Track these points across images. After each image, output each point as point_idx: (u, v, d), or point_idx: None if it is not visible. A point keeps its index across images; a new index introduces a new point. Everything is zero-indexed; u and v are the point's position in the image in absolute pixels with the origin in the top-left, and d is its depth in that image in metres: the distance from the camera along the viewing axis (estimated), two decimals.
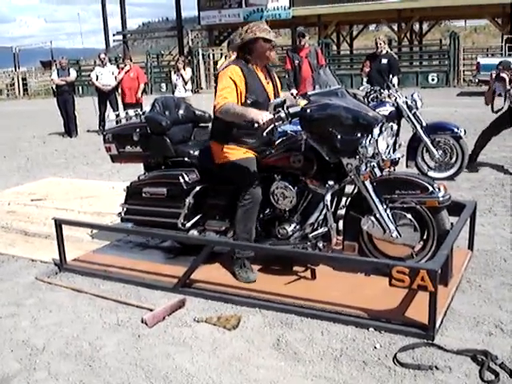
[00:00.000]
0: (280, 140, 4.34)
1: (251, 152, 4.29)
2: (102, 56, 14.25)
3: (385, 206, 4.00)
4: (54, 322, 3.91)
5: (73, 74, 14.39)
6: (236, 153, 4.26)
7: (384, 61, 9.04)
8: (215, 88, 4.29)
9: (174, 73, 12.51)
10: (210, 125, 5.16)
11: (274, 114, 3.86)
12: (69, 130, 14.00)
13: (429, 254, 4.04)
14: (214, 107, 4.13)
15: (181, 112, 5.09)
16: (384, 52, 9.21)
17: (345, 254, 4.19)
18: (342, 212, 4.37)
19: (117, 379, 3.19)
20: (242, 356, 3.36)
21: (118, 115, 5.30)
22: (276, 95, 4.40)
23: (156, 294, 4.24)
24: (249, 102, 4.16)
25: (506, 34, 24.23)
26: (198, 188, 4.60)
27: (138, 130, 4.88)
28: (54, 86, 14.72)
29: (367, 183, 3.99)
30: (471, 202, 4.58)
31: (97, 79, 13.79)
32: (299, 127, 4.12)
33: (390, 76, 8.51)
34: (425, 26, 37.99)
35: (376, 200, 3.98)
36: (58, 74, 14.04)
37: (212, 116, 4.54)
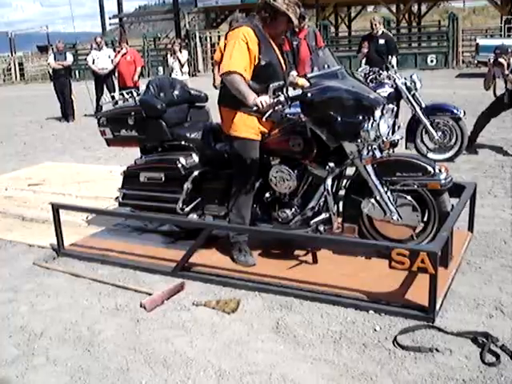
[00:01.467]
0: (279, 121, 4.27)
1: (260, 130, 4.16)
2: (99, 39, 14.16)
3: (385, 189, 3.96)
4: (52, 307, 3.89)
5: (69, 58, 14.30)
6: (245, 129, 4.12)
7: (381, 41, 9.01)
8: (224, 46, 4.12)
9: (171, 56, 12.42)
10: (205, 105, 5.11)
11: (273, 98, 3.81)
12: (66, 115, 13.94)
13: (430, 236, 4.02)
14: (222, 69, 4.00)
15: (176, 93, 5.01)
16: (380, 32, 9.16)
17: (344, 237, 4.16)
18: (341, 193, 4.34)
19: (115, 364, 3.17)
20: (242, 339, 3.35)
21: (113, 97, 5.23)
22: (285, 63, 4.29)
23: (154, 278, 4.23)
24: (262, 63, 4.02)
25: (505, 14, 24.07)
26: (196, 173, 4.56)
27: (132, 113, 4.81)
28: (50, 70, 14.61)
29: (368, 167, 3.95)
30: (471, 184, 4.55)
31: (93, 63, 13.71)
32: (298, 109, 4.07)
33: (389, 57, 8.46)
34: (423, 8, 37.76)
35: (377, 183, 3.94)
36: (54, 58, 13.95)
37: (208, 96, 4.46)
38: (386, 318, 3.46)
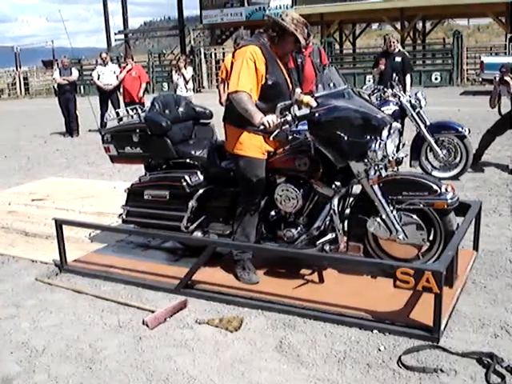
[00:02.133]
0: (285, 140, 4.27)
1: (265, 149, 4.15)
2: (104, 55, 14.23)
3: (391, 208, 3.94)
4: (54, 324, 3.87)
5: (75, 73, 14.37)
6: (251, 148, 4.11)
7: (398, 59, 9.06)
8: (231, 67, 4.12)
9: (176, 72, 12.46)
10: (210, 121, 5.11)
11: (280, 118, 3.80)
12: (70, 130, 13.98)
13: (435, 255, 3.99)
14: (230, 88, 4.00)
15: (181, 109, 5.01)
16: (397, 50, 9.20)
17: (349, 255, 4.14)
18: (347, 211, 4.32)
19: (117, 382, 3.15)
20: (245, 358, 3.32)
21: (117, 113, 5.23)
22: (292, 82, 4.29)
23: (157, 296, 4.20)
24: (269, 82, 4.02)
25: (509, 32, 24.09)
26: (201, 191, 4.54)
27: (137, 130, 4.80)
28: (55, 85, 14.68)
29: (375, 186, 3.93)
30: (476, 202, 4.53)
31: (98, 78, 13.77)
32: (304, 126, 4.06)
33: (407, 76, 8.60)
34: (428, 25, 37.90)
35: (383, 202, 3.93)
36: (59, 73, 14.03)
37: (213, 113, 4.45)
38: (391, 338, 3.43)
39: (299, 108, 4.33)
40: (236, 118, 4.07)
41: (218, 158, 4.49)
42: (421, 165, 7.34)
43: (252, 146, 4.11)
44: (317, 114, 3.89)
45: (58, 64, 15.72)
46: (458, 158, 7.24)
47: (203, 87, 27.33)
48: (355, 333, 3.52)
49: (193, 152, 4.64)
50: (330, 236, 4.09)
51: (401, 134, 6.63)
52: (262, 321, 3.75)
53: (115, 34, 36.78)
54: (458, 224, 3.98)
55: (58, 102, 14.28)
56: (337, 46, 31.48)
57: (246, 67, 3.95)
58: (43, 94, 31.32)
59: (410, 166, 7.23)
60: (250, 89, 3.94)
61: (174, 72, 12.68)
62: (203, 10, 31.55)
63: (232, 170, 4.34)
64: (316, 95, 4.00)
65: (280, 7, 28.03)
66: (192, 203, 4.52)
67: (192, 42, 32.71)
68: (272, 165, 4.20)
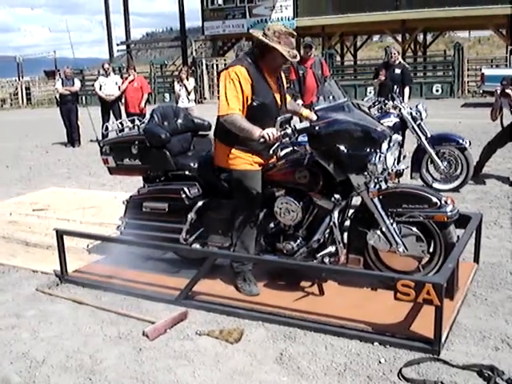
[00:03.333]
0: (284, 153, 4.28)
1: (257, 162, 4.16)
2: (106, 66, 14.30)
3: (391, 220, 3.95)
4: (54, 334, 3.87)
5: (77, 83, 14.43)
6: (242, 162, 4.13)
7: (397, 71, 9.11)
8: (218, 87, 4.19)
9: (178, 83, 12.51)
10: (209, 133, 5.10)
11: (280, 131, 3.82)
12: (72, 140, 14.01)
13: (436, 268, 3.99)
14: (220, 111, 4.03)
15: (179, 121, 5.01)
16: (397, 62, 9.24)
17: (349, 267, 4.14)
18: (347, 223, 4.32)
19: None
20: (245, 370, 3.32)
21: (121, 123, 5.23)
22: (283, 94, 4.28)
23: (158, 307, 4.20)
24: (255, 104, 4.02)
25: (510, 45, 24.18)
26: (200, 203, 4.54)
27: (136, 142, 4.80)
28: (57, 96, 14.73)
29: (375, 200, 3.94)
30: (477, 215, 4.54)
31: (100, 89, 13.82)
32: (304, 138, 4.07)
33: (406, 88, 8.63)
34: (429, 37, 38.01)
35: (383, 214, 3.93)
36: (62, 84, 14.09)
37: (211, 124, 4.46)
38: (391, 350, 3.43)
39: (300, 120, 4.34)
40: (226, 135, 4.11)
41: (217, 169, 4.49)
42: (421, 177, 7.35)
43: (243, 160, 4.13)
44: (317, 128, 3.90)
45: (60, 74, 15.75)
46: (459, 170, 7.25)
47: (205, 98, 27.40)
48: (356, 345, 3.51)
49: (192, 164, 4.64)
50: (330, 249, 4.09)
51: (401, 145, 6.67)
52: (263, 332, 3.74)
53: (117, 44, 36.91)
54: (458, 236, 3.99)
55: (59, 112, 14.31)
56: (338, 58, 31.59)
57: (233, 89, 3.97)
58: (45, 104, 31.41)
59: (411, 177, 7.24)
60: (239, 109, 3.98)
61: (176, 83, 12.72)
62: (205, 21, 31.67)
63: (230, 182, 4.34)
64: (316, 108, 4.01)
65: (282, 19, 28.18)
66: (191, 215, 4.51)
67: (194, 53, 32.83)
68: (271, 177, 4.21)
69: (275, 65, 4.12)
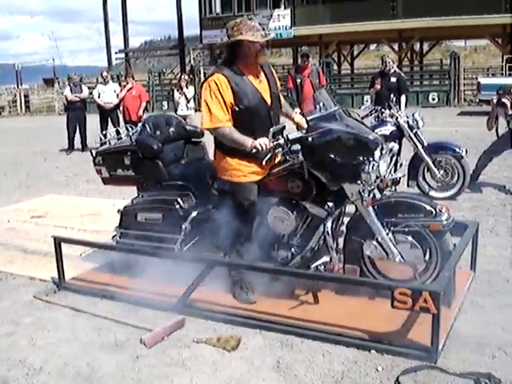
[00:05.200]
0: (277, 162, 4.27)
1: (254, 173, 4.14)
2: (105, 74, 14.35)
3: (387, 230, 3.96)
4: (51, 342, 3.87)
5: (85, 90, 14.57)
6: (238, 174, 4.11)
7: (393, 79, 9.15)
8: (199, 99, 4.17)
9: (177, 91, 12.54)
10: (202, 140, 5.09)
11: (273, 142, 3.83)
12: (81, 145, 14.13)
13: (432, 276, 3.99)
14: (203, 123, 4.01)
15: (172, 129, 4.98)
16: (392, 71, 9.28)
17: (346, 275, 4.15)
18: (342, 228, 4.33)
19: None
20: (242, 378, 3.32)
21: (118, 131, 5.22)
22: (273, 90, 4.21)
23: (155, 314, 4.20)
24: (239, 109, 3.98)
25: (506, 53, 24.30)
26: (194, 213, 4.54)
27: (129, 153, 4.81)
28: (65, 102, 14.79)
29: (370, 209, 3.95)
30: (473, 223, 4.55)
31: (99, 97, 13.85)
32: (298, 147, 4.07)
33: (402, 96, 8.67)
34: (425, 46, 38.13)
35: (378, 224, 3.94)
36: (70, 90, 14.23)
37: (204, 131, 4.45)
38: (388, 358, 3.43)
39: (297, 127, 4.34)
40: (222, 144, 4.10)
41: (210, 178, 4.49)
42: (418, 185, 7.38)
43: (240, 172, 4.11)
44: (309, 138, 3.90)
45: (68, 80, 15.76)
46: (456, 179, 7.27)
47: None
48: (353, 353, 3.52)
49: (185, 173, 4.65)
50: (324, 259, 4.09)
51: (398, 154, 6.69)
52: (260, 340, 3.75)
53: (116, 52, 36.99)
54: (454, 244, 4.00)
55: (66, 119, 14.43)
56: (335, 67, 31.67)
57: (215, 99, 3.95)
58: (44, 111, 31.40)
59: (408, 186, 7.26)
60: (226, 120, 3.96)
61: (175, 91, 12.74)
62: (203, 30, 31.78)
63: (224, 191, 4.34)
64: (308, 118, 4.02)
65: (279, 28, 28.31)
66: (185, 225, 4.52)
67: (192, 62, 32.90)
68: (265, 186, 4.20)
69: (251, 57, 4.01)
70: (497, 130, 7.87)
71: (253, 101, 4.03)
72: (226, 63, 4.10)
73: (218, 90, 3.94)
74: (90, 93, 15.58)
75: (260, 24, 4.02)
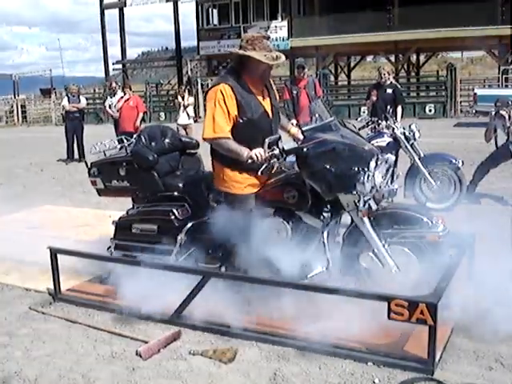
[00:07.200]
0: (273, 172, 4.27)
1: (251, 185, 4.15)
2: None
3: (383, 242, 3.95)
4: (47, 353, 3.85)
5: (83, 100, 14.64)
6: (237, 186, 4.12)
7: (389, 91, 9.13)
8: (205, 105, 4.16)
9: (182, 98, 12.71)
10: (197, 151, 5.09)
11: (268, 152, 3.83)
12: (78, 155, 14.14)
13: (429, 287, 3.97)
14: (205, 133, 4.01)
15: (167, 141, 4.98)
16: (388, 82, 9.29)
17: (342, 287, 4.13)
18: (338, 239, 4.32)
19: None
20: None
21: (121, 141, 5.19)
22: (274, 103, 4.24)
23: (151, 326, 4.19)
24: (242, 121, 4.00)
25: (502, 65, 24.46)
26: (189, 224, 4.53)
27: (124, 164, 4.80)
28: (63, 113, 14.85)
29: (365, 219, 3.95)
30: (470, 234, 4.55)
31: (110, 108, 13.83)
32: (292, 158, 4.07)
33: (398, 108, 8.69)
34: (422, 58, 38.34)
35: (374, 236, 3.94)
36: (68, 101, 14.27)
37: (199, 143, 4.45)
38: (385, 370, 3.42)
39: (293, 139, 4.35)
40: (220, 155, 4.10)
41: (206, 189, 4.48)
42: (415, 196, 7.38)
43: (235, 183, 4.11)
44: (305, 149, 3.90)
45: (66, 91, 15.82)
46: (452, 190, 7.29)
47: (200, 117, 27.47)
48: (350, 365, 3.51)
49: (180, 185, 4.64)
50: (320, 269, 4.08)
51: (395, 165, 6.69)
52: (256, 352, 3.73)
53: (113, 63, 37.08)
54: (451, 255, 3.99)
55: (64, 129, 14.48)
56: (332, 78, 31.79)
57: (219, 109, 3.96)
58: (40, 122, 31.43)
59: (404, 196, 7.26)
60: (228, 130, 3.98)
61: (179, 97, 12.92)
62: (200, 41, 31.96)
63: (219, 202, 4.33)
64: (304, 129, 4.03)
65: (276, 39, 28.43)
66: (181, 237, 4.51)
67: (189, 73, 32.99)
68: (261, 196, 4.20)
69: (258, 74, 4.06)
70: (496, 142, 7.88)
71: (256, 113, 4.06)
72: (233, 73, 4.11)
73: (224, 99, 3.96)
74: (88, 103, 15.64)
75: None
